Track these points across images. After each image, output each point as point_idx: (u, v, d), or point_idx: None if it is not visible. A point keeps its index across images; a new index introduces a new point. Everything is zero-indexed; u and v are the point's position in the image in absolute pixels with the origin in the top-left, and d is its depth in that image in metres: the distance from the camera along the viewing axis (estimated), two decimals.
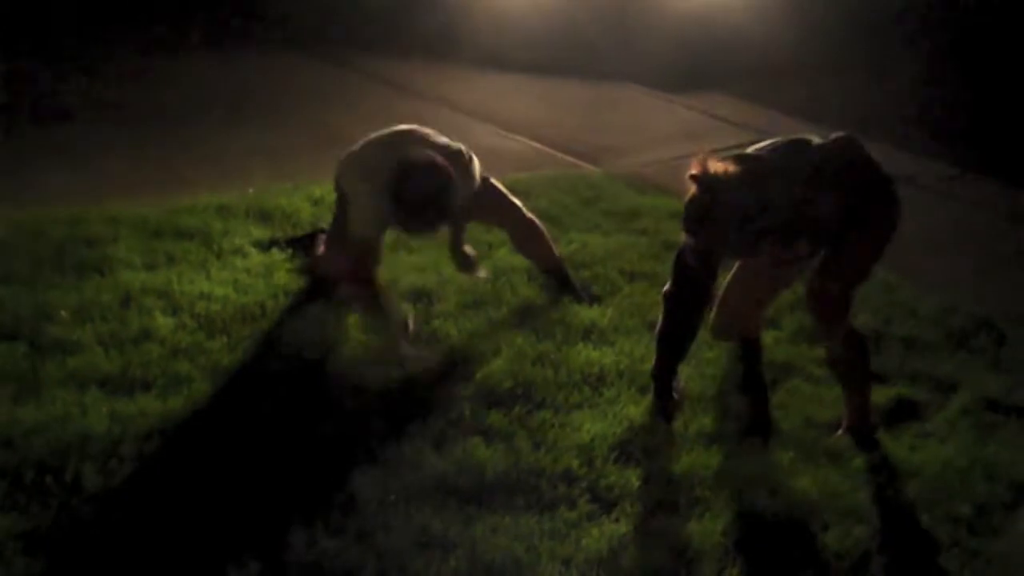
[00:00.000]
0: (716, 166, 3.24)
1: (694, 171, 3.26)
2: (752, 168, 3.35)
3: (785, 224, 3.35)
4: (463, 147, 4.17)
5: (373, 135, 4.26)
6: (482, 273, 4.54)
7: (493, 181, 4.42)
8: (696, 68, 8.51)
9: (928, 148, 7.19)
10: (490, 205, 4.43)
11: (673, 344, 3.71)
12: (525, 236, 4.54)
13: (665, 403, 3.70)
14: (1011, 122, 7.76)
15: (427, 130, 4.26)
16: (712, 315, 3.89)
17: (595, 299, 4.54)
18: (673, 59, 8.45)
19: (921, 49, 9.01)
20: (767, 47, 8.53)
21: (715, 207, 3.23)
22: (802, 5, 8.90)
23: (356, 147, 4.26)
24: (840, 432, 3.72)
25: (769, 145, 3.53)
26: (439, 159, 3.85)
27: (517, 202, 4.50)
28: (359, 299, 4.03)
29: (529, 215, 4.55)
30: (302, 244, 4.69)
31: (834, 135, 3.57)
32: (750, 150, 3.54)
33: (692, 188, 3.29)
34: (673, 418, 3.70)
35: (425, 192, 3.77)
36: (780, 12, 8.71)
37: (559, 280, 4.59)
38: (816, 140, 3.54)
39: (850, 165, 3.50)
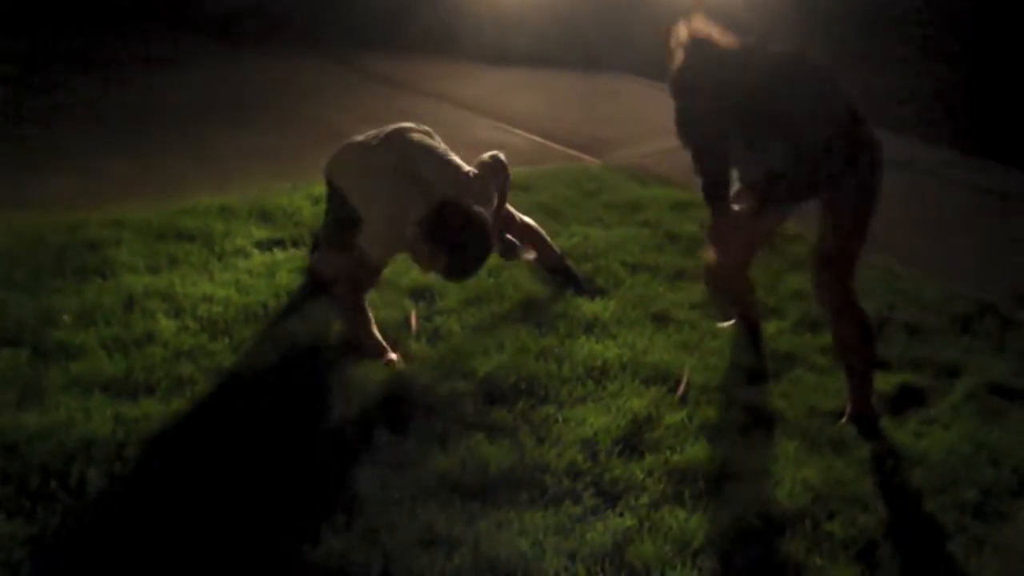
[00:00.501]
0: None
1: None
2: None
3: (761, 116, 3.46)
4: (471, 170, 4.17)
5: (371, 132, 4.26)
6: (530, 255, 4.54)
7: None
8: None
9: (927, 133, 7.18)
10: None
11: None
12: (522, 240, 4.54)
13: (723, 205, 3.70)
14: (1010, 104, 7.75)
15: (423, 127, 4.26)
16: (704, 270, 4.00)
17: (599, 292, 4.55)
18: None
19: (918, 34, 8.99)
20: (765, 35, 8.50)
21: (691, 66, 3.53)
22: None
23: (354, 143, 4.25)
24: (844, 420, 3.71)
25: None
26: (477, 210, 3.84)
27: (509, 209, 4.50)
28: (345, 308, 4.03)
29: (521, 219, 4.54)
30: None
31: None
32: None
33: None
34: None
35: (469, 247, 3.78)
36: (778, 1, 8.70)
37: (563, 276, 4.59)
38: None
39: (848, 113, 3.52)
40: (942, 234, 5.56)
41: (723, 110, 3.50)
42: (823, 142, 3.45)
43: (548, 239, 4.64)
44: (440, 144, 4.24)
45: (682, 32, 3.62)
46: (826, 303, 3.72)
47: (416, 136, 4.21)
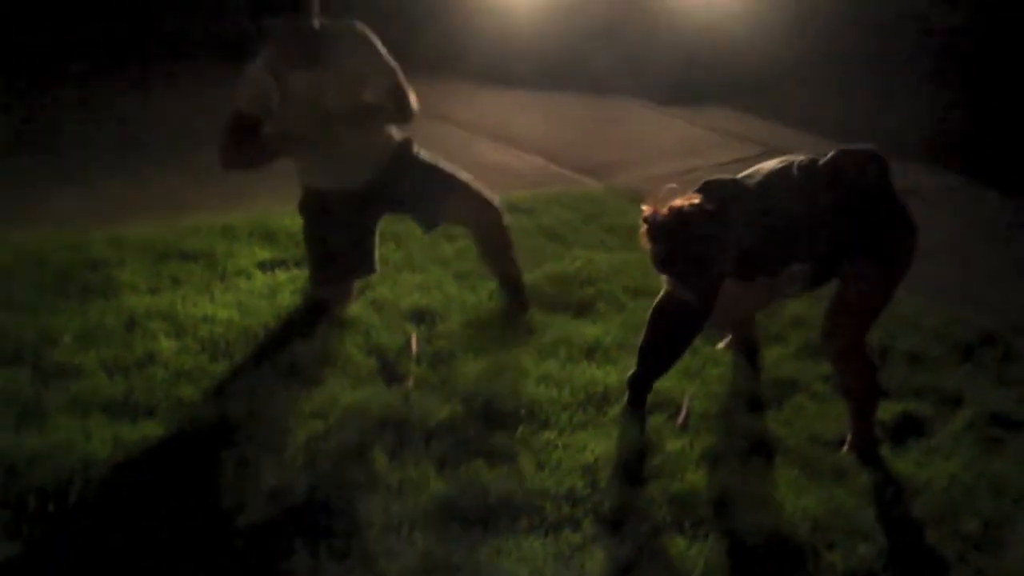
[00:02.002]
0: (665, 209, 3.36)
1: (645, 217, 3.40)
2: (713, 195, 3.40)
3: (764, 243, 3.40)
4: None
5: None
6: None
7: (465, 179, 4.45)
8: (697, 82, 8.53)
9: (930, 160, 7.19)
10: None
11: (659, 361, 3.75)
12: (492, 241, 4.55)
13: (639, 412, 3.75)
14: (1012, 133, 7.76)
15: None
16: None
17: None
18: (674, 73, 8.47)
19: (921, 61, 9.02)
20: (767, 61, 8.55)
21: (680, 246, 3.37)
22: (802, 19, 8.93)
23: None
24: (845, 449, 3.70)
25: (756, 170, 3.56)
26: None
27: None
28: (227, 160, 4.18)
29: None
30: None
31: (852, 148, 3.56)
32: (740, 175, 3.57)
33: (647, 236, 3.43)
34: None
35: None
36: (780, 26, 8.74)
37: (513, 293, 4.59)
38: (803, 158, 3.55)
39: (854, 183, 3.49)
40: (944, 261, 5.54)
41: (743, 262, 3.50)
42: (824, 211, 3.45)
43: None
44: None
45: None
46: (829, 351, 3.73)
47: None
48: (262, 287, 4.57)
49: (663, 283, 3.63)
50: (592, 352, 4.21)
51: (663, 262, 3.46)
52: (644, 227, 3.44)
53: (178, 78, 8.34)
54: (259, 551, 2.99)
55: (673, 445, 3.62)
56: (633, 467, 3.48)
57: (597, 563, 3.01)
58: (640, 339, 3.75)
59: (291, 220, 5.23)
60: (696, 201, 3.38)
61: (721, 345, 4.34)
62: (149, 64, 8.60)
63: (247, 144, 4.14)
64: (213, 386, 3.79)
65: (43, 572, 2.87)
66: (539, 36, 8.91)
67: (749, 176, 3.55)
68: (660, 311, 3.68)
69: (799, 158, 3.55)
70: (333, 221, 4.33)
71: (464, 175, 4.44)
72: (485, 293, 4.65)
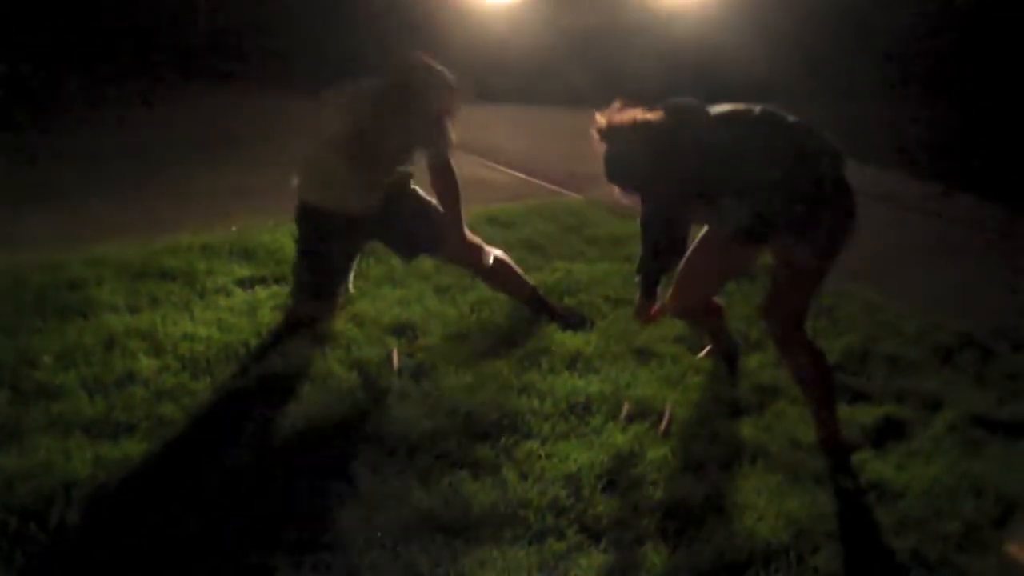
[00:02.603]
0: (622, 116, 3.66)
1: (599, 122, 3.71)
2: (672, 112, 3.60)
3: (707, 164, 3.50)
4: None
5: None
6: (488, 259, 4.53)
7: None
8: (676, 92, 8.54)
9: (910, 167, 7.23)
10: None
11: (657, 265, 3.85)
12: (495, 273, 4.58)
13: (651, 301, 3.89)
14: (992, 140, 7.81)
15: None
16: (668, 296, 4.02)
17: (583, 322, 4.56)
18: (653, 84, 8.47)
19: (903, 70, 9.08)
20: (748, 71, 8.58)
21: (629, 151, 3.63)
22: (782, 28, 8.97)
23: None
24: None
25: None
26: None
27: (478, 244, 4.52)
28: None
29: (489, 259, 4.55)
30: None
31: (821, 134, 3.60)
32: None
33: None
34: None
35: None
36: (760, 37, 8.78)
37: (537, 308, 4.59)
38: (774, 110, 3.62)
39: (810, 161, 3.52)
40: (923, 266, 5.59)
41: (684, 180, 3.55)
42: (793, 184, 3.47)
43: (519, 271, 4.65)
44: None
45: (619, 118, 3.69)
46: (773, 338, 3.77)
47: None
48: (242, 304, 4.56)
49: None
50: (574, 362, 4.22)
51: (610, 167, 3.70)
52: (597, 130, 3.73)
53: (154, 98, 8.32)
54: (242, 567, 2.97)
55: (655, 453, 3.62)
56: (616, 476, 3.48)
57: (581, 572, 3.01)
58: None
59: (269, 237, 5.25)
60: (653, 115, 3.55)
61: (702, 354, 4.35)
62: (125, 84, 8.59)
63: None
64: (194, 404, 3.77)
65: None
66: (517, 50, 8.93)
67: (718, 107, 3.63)
68: (641, 225, 3.79)
69: (771, 108, 3.61)
70: (329, 240, 4.33)
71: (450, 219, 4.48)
72: (466, 306, 4.66)
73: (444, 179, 4.29)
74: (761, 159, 3.47)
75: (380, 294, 4.69)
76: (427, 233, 4.39)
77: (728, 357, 4.26)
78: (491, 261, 4.50)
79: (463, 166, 6.71)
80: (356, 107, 4.23)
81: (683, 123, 3.56)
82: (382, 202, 4.31)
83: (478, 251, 4.47)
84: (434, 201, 4.40)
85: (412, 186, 4.44)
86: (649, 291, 3.88)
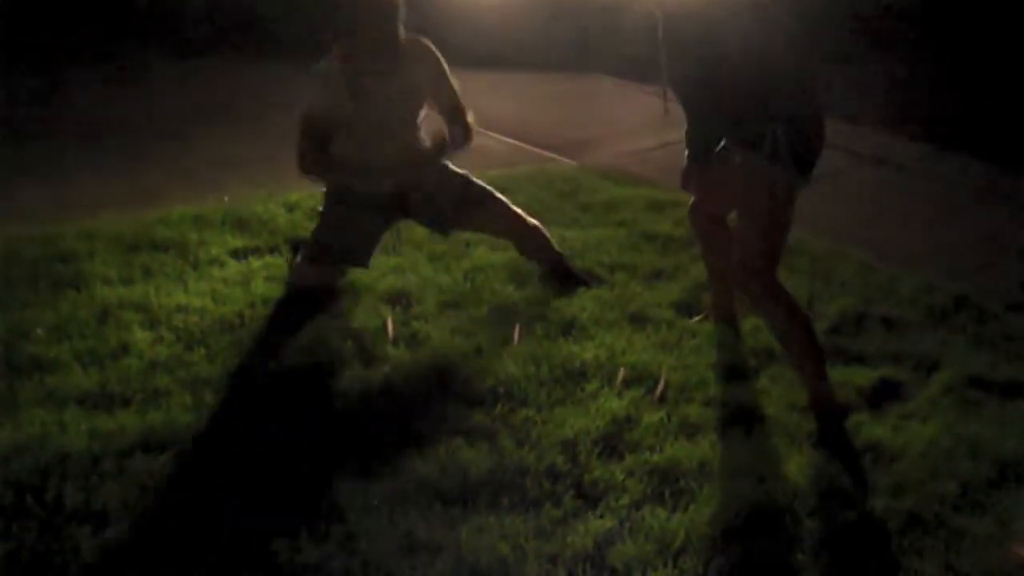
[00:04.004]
0: None
1: None
2: None
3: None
4: None
5: None
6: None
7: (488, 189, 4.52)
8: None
9: (903, 128, 7.20)
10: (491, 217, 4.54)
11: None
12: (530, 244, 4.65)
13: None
14: (984, 100, 7.78)
15: None
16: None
17: (596, 280, 4.63)
18: (645, 48, 8.44)
19: (889, 29, 9.03)
20: None
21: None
22: None
23: None
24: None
25: None
26: None
27: (515, 210, 4.59)
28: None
29: (528, 220, 4.62)
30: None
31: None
32: None
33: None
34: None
35: None
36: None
37: (564, 276, 4.63)
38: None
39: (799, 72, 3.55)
40: (916, 228, 5.57)
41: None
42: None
43: (550, 239, 4.68)
44: None
45: None
46: (747, 292, 3.75)
47: None
48: (236, 275, 4.55)
49: None
50: (568, 328, 4.21)
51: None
52: None
53: (142, 72, 8.27)
54: (239, 536, 2.97)
55: (651, 418, 3.62)
56: (612, 441, 3.48)
57: (579, 537, 3.01)
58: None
59: (262, 207, 5.23)
60: None
61: (697, 319, 4.34)
62: (114, 58, 8.53)
63: (322, 153, 4.27)
64: (189, 375, 3.77)
65: (23, 565, 2.85)
66: (505, 16, 8.87)
67: None
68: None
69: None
70: (357, 215, 4.36)
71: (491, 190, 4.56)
72: (460, 273, 4.65)
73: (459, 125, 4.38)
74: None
75: (374, 262, 4.67)
76: (464, 207, 4.44)
77: (727, 321, 4.24)
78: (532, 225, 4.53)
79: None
80: (336, 74, 4.22)
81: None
82: (415, 176, 4.32)
83: (519, 219, 4.46)
84: (468, 176, 4.48)
85: (444, 162, 4.46)
86: (700, 155, 3.83)
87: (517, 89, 8.29)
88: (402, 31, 4.25)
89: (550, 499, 3.18)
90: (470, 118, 4.45)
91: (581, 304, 4.41)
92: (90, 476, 3.17)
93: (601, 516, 3.12)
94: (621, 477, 3.30)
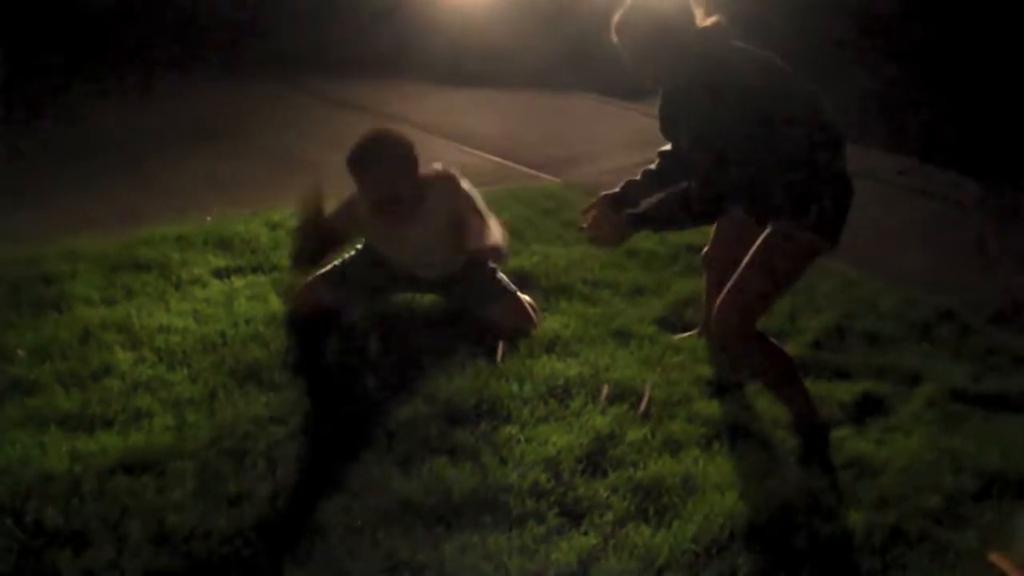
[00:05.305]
0: None
1: None
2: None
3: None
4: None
5: None
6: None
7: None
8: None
9: (885, 142, 7.24)
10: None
11: None
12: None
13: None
14: (966, 113, 7.83)
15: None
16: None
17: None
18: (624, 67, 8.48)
19: (876, 44, 9.08)
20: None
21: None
22: (755, 7, 8.95)
23: None
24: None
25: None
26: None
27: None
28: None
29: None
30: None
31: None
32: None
33: None
34: None
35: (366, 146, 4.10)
36: (736, 15, 8.75)
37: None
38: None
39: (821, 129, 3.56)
40: (899, 242, 5.60)
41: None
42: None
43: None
44: None
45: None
46: (723, 337, 3.65)
47: None
48: (218, 294, 4.53)
49: None
50: (552, 345, 4.21)
51: None
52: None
53: (127, 90, 8.26)
54: (221, 558, 2.95)
55: (635, 434, 3.62)
56: (596, 458, 3.48)
57: (563, 555, 3.01)
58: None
59: (244, 227, 5.21)
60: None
61: (689, 334, 4.34)
62: (98, 76, 8.52)
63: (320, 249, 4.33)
64: (171, 396, 3.75)
65: None
66: (489, 34, 8.90)
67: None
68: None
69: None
70: (378, 275, 4.42)
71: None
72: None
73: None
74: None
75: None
76: (490, 295, 4.41)
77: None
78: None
79: (439, 150, 6.76)
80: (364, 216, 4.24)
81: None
82: (449, 276, 4.40)
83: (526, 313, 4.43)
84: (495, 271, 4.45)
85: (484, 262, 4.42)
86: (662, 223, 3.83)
87: (501, 107, 8.31)
88: (414, 184, 4.18)
89: (534, 517, 3.17)
90: (498, 234, 4.30)
91: (564, 321, 4.41)
92: (71, 498, 3.14)
93: (585, 533, 3.11)
94: (605, 494, 3.30)
